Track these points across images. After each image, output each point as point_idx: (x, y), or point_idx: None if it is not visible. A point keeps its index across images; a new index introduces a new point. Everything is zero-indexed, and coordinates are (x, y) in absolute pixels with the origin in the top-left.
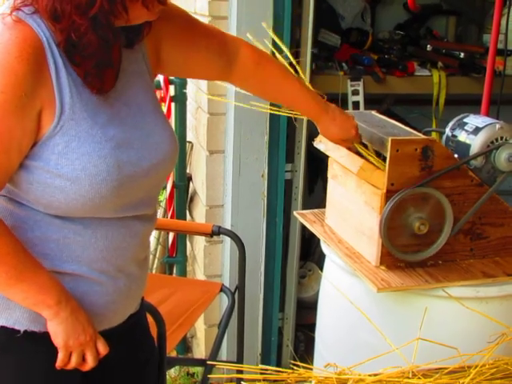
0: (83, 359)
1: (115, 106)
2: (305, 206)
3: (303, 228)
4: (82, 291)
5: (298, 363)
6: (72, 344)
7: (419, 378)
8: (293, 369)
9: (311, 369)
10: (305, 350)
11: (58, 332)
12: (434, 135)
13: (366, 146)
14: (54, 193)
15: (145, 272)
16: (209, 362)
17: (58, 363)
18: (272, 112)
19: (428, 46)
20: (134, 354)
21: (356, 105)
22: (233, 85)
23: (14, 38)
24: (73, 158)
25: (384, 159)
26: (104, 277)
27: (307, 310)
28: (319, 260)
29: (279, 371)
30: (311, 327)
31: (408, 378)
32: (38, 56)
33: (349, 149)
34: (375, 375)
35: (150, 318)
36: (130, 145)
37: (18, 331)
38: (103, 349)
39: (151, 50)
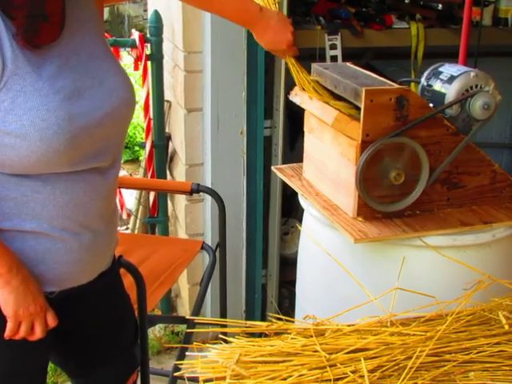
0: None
1: (63, 56)
2: (286, 163)
3: (285, 185)
4: (44, 248)
5: (280, 316)
6: (22, 314)
7: (397, 326)
8: (272, 321)
9: (293, 321)
10: (289, 306)
11: (8, 301)
12: (412, 86)
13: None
14: (5, 151)
15: (112, 228)
16: (188, 317)
17: (7, 333)
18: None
19: None
20: (108, 313)
21: (334, 59)
22: None
23: None
24: (20, 114)
25: (359, 110)
26: (66, 234)
27: (291, 267)
28: (302, 217)
29: (257, 325)
30: (295, 283)
31: (386, 326)
32: None
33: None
34: (353, 325)
35: (129, 277)
36: (80, 95)
37: None
38: (52, 321)
39: None
